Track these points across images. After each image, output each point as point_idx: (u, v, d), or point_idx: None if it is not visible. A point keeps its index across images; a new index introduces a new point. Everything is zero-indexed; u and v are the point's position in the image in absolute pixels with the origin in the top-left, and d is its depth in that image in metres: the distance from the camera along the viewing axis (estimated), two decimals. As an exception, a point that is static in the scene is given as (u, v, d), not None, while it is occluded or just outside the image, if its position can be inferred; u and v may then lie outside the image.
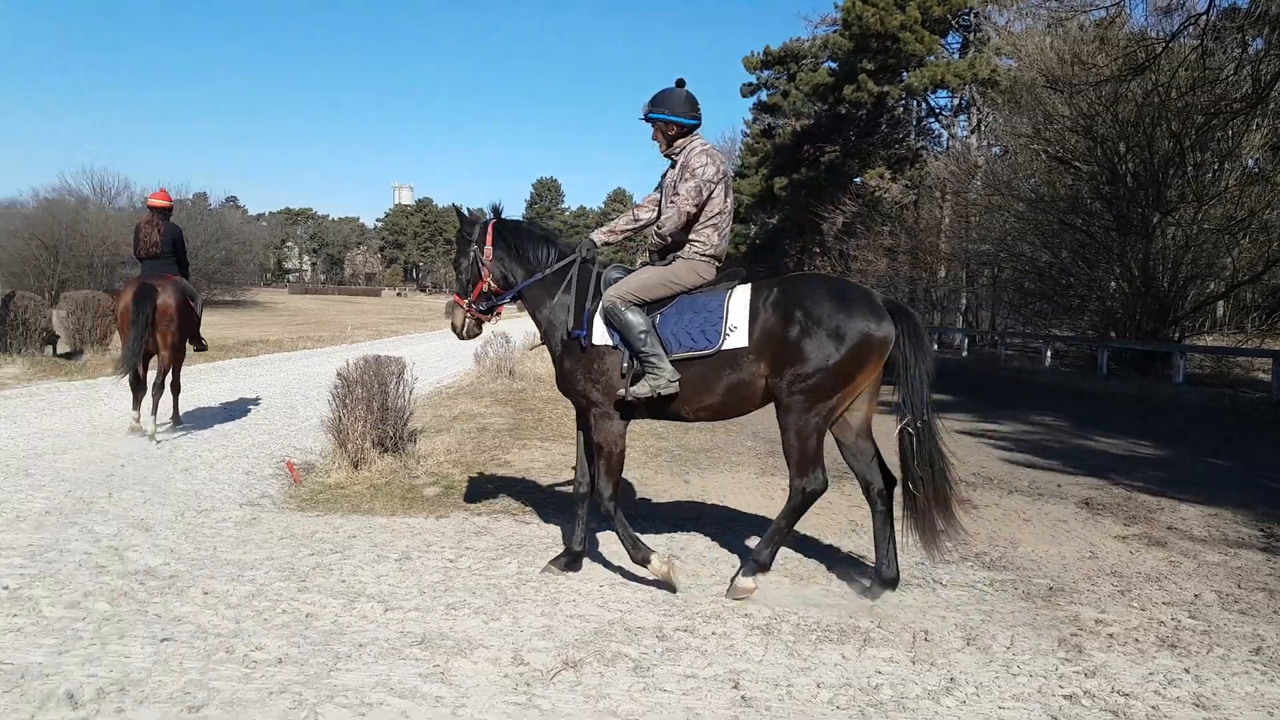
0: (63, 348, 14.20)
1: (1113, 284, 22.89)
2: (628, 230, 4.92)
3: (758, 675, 3.43)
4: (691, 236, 4.60)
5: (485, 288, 4.88)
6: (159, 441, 8.17)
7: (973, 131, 33.11)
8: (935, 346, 31.53)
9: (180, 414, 9.31)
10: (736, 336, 4.34)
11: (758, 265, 55.66)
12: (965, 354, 29.53)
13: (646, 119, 4.68)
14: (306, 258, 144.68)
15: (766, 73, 48.29)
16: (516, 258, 4.85)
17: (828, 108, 37.44)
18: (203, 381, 13.51)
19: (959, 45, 35.59)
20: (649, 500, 6.71)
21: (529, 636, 3.72)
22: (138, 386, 8.44)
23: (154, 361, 8.66)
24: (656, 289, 4.56)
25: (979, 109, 32.77)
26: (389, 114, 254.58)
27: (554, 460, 8.05)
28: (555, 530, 5.65)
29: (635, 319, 4.40)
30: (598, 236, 4.95)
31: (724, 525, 5.96)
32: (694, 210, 4.53)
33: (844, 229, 38.53)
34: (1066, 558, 5.44)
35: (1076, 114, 21.79)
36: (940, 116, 36.07)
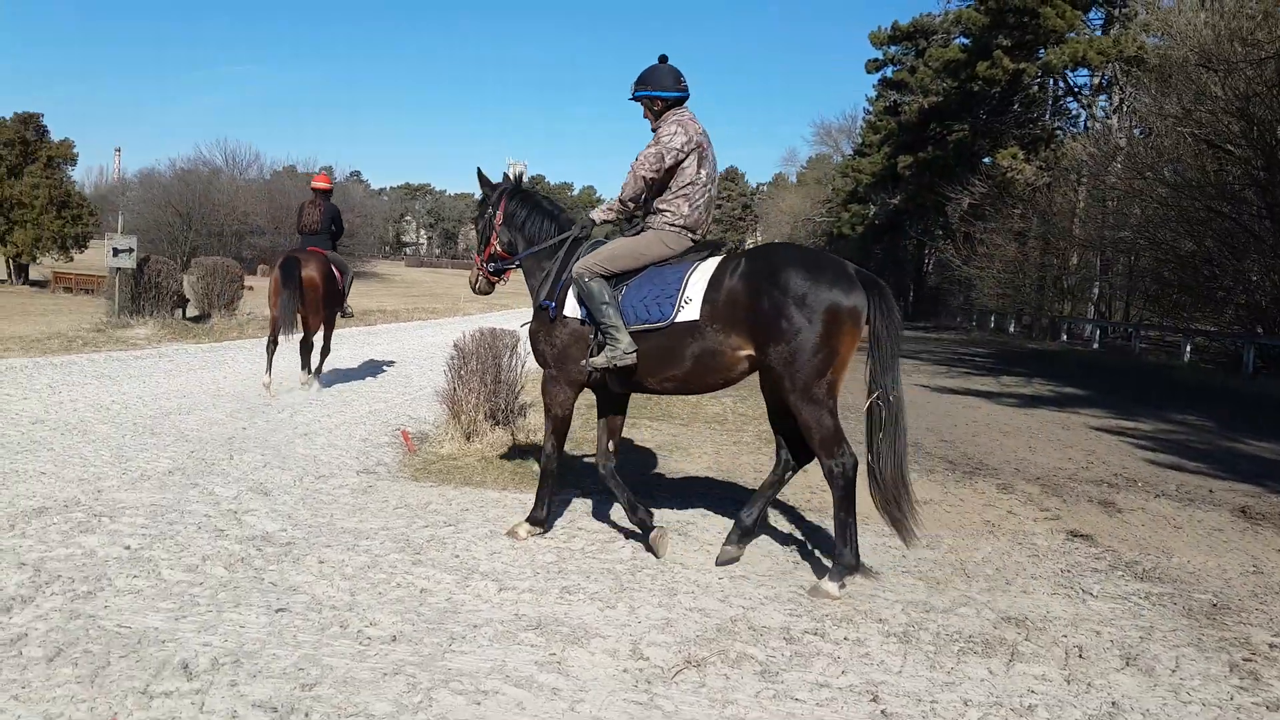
0: (192, 311, 14.82)
1: (1257, 276, 21.20)
2: (630, 208, 4.78)
3: (897, 688, 3.12)
4: (661, 206, 4.56)
5: (493, 250, 5.11)
6: (309, 387, 9.43)
7: (1114, 112, 31.08)
8: (1064, 337, 30.41)
9: (322, 373, 9.92)
10: (690, 310, 4.27)
11: (875, 247, 54.28)
12: (1096, 346, 27.91)
13: (634, 98, 4.69)
14: (423, 231, 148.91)
15: (894, 48, 46.66)
16: (521, 228, 5.00)
17: (958, 85, 35.81)
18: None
19: (1101, 21, 33.46)
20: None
21: (647, 629, 3.50)
22: (273, 351, 9.08)
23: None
24: (623, 260, 4.55)
25: (1121, 88, 30.73)
26: (507, 91, 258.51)
27: (663, 441, 7.84)
28: (668, 513, 5.43)
29: (597, 289, 4.41)
30: (596, 215, 4.95)
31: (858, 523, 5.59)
32: (651, 175, 4.50)
33: (970, 211, 36.89)
34: (1228, 571, 4.91)
35: (1232, 95, 20.14)
36: (1079, 96, 34.03)
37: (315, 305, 9.13)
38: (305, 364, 9.55)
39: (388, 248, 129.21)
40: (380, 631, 3.34)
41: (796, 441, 4.60)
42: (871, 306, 4.13)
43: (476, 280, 5.32)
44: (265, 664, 2.98)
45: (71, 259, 30.91)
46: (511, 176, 5.12)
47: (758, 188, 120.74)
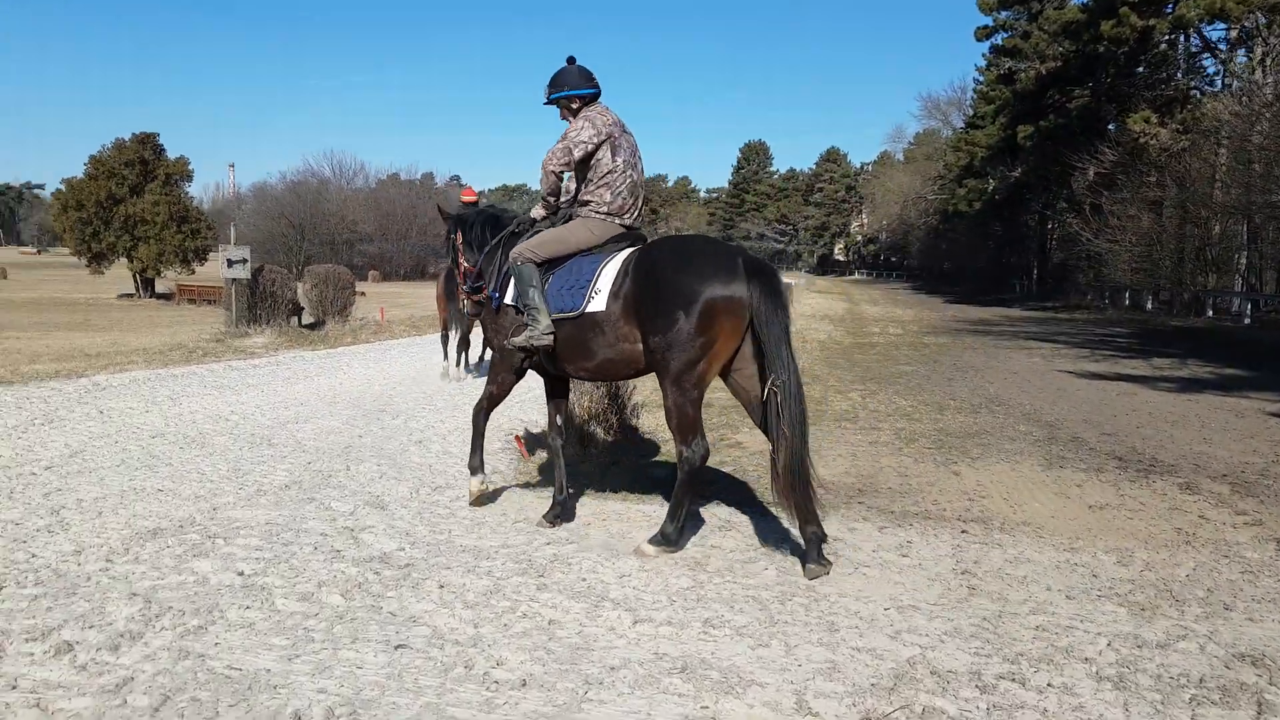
0: (306, 319, 15.05)
1: None
2: (552, 201, 4.99)
3: (1127, 754, 2.56)
4: (587, 196, 4.74)
5: (465, 270, 5.34)
6: (458, 379, 10.59)
7: (1255, 66, 28.65)
8: (1210, 312, 28.13)
9: (470, 364, 11.38)
10: (598, 301, 4.42)
11: (994, 223, 51.84)
12: (1248, 321, 25.74)
13: (549, 102, 4.89)
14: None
15: (1004, 13, 44.48)
16: (475, 241, 5.23)
17: (1077, 48, 33.78)
18: (435, 348, 13.87)
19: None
20: (916, 497, 5.81)
21: (810, 674, 3.02)
22: (447, 343, 10.97)
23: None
24: (551, 245, 4.71)
25: (1264, 39, 28.30)
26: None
27: (793, 440, 7.30)
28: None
29: (526, 272, 4.63)
30: (535, 212, 5.12)
31: (1031, 536, 4.97)
32: (559, 169, 4.75)
33: (1098, 181, 34.70)
34: None
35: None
36: (1215, 51, 31.55)
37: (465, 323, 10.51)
38: (461, 359, 11.08)
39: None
40: (508, 674, 2.97)
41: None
42: (753, 294, 4.10)
43: (462, 303, 5.57)
44: (384, 714, 2.65)
45: (193, 271, 32.31)
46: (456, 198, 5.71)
47: (862, 168, 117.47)
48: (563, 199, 4.97)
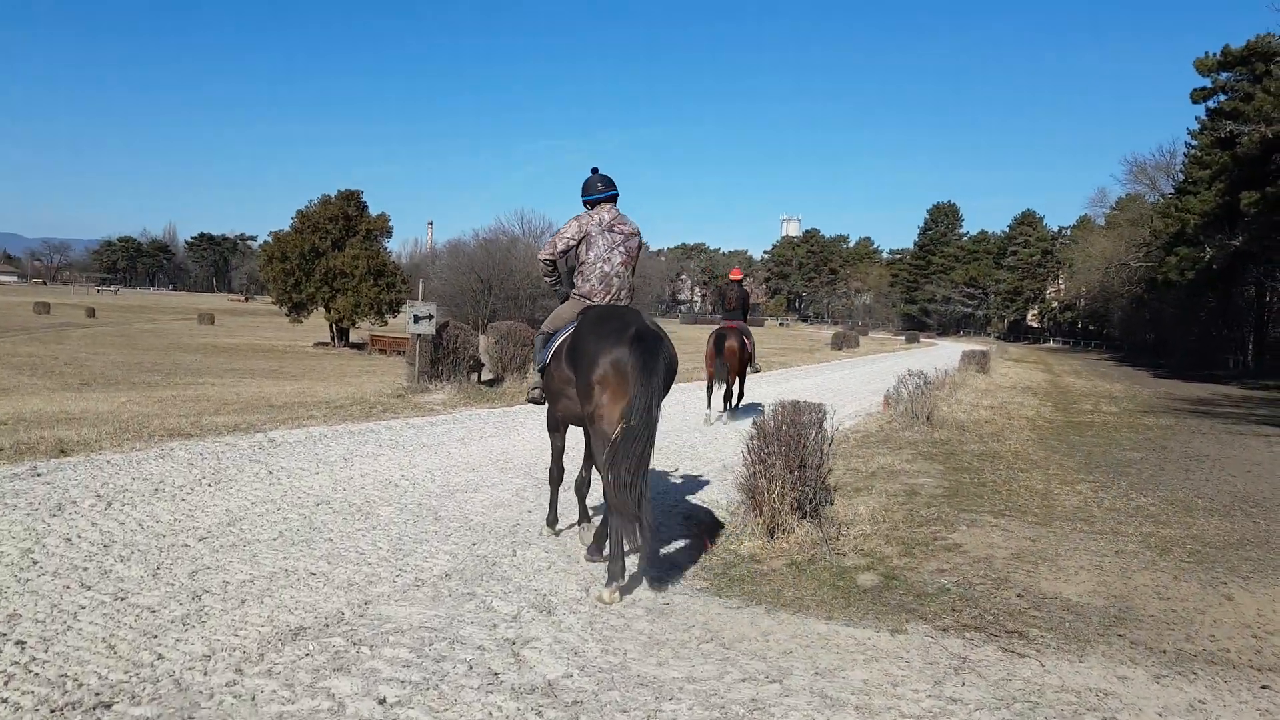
0: (486, 375, 15.02)
1: None
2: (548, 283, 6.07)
3: None
4: (575, 280, 5.63)
5: None
6: (724, 422, 12.41)
7: None
8: None
9: (739, 409, 13.25)
10: (555, 358, 5.42)
11: (1207, 294, 47.22)
12: None
13: (584, 203, 5.71)
14: (697, 289, 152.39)
15: (1224, 75, 41.02)
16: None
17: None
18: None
19: None
20: (1186, 629, 4.61)
21: None
22: (711, 394, 12.66)
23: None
24: (553, 321, 5.70)
25: None
26: (777, 145, 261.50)
27: (1021, 549, 6.17)
28: (1071, 675, 3.88)
29: (537, 342, 5.77)
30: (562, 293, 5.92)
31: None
32: (545, 257, 5.72)
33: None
34: None
35: None
36: None
37: (735, 366, 12.68)
38: (725, 407, 12.89)
39: (664, 305, 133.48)
40: None
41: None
42: (632, 355, 4.77)
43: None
44: None
45: (386, 323, 33.95)
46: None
47: (1059, 231, 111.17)
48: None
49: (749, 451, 6.46)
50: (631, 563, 5.01)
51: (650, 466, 4.84)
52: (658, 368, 4.78)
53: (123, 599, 4.27)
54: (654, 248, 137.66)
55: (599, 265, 5.52)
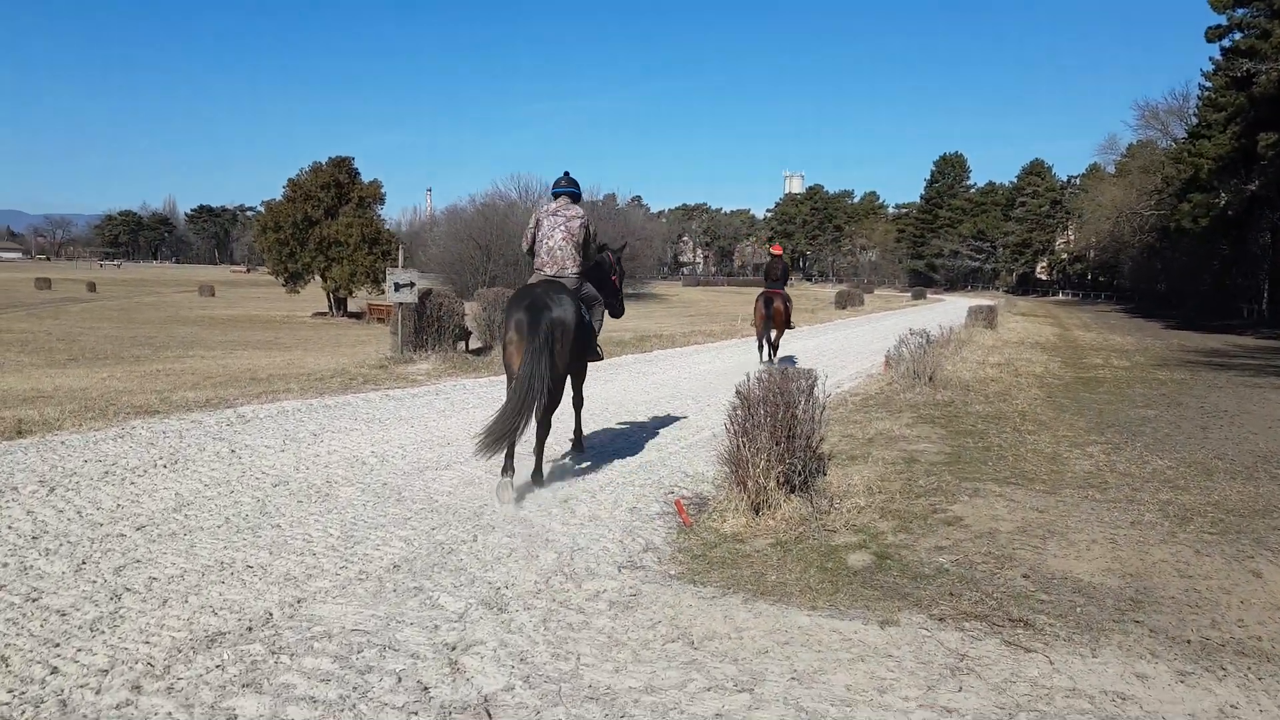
0: (474, 343, 14.58)
1: None
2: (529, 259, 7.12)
3: None
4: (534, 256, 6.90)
5: None
6: (774, 364, 13.54)
7: None
8: None
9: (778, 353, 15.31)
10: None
11: (1220, 242, 46.27)
12: None
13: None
14: (699, 251, 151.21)
15: (1240, 11, 39.72)
16: None
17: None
18: (598, 380, 12.98)
19: None
20: (1212, 613, 4.17)
21: None
22: (761, 348, 14.88)
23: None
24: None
25: None
26: (778, 101, 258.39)
27: (1028, 521, 5.74)
28: (1084, 674, 3.46)
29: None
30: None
31: None
32: (524, 246, 6.99)
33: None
34: None
35: None
36: None
37: (780, 324, 14.84)
38: (771, 358, 14.80)
39: (665, 268, 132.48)
40: None
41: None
42: (525, 321, 5.95)
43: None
44: None
45: (383, 292, 33.46)
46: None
47: (1069, 181, 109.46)
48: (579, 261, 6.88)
49: (731, 422, 6.02)
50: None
51: (548, 414, 6.29)
52: (539, 332, 5.88)
53: (35, 600, 3.88)
54: (654, 209, 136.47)
55: (545, 242, 6.75)
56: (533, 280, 6.62)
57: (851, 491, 6.42)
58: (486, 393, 11.01)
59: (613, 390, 11.90)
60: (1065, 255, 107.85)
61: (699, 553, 5.01)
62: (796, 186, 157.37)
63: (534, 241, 6.79)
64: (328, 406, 9.27)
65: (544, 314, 5.94)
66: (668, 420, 9.56)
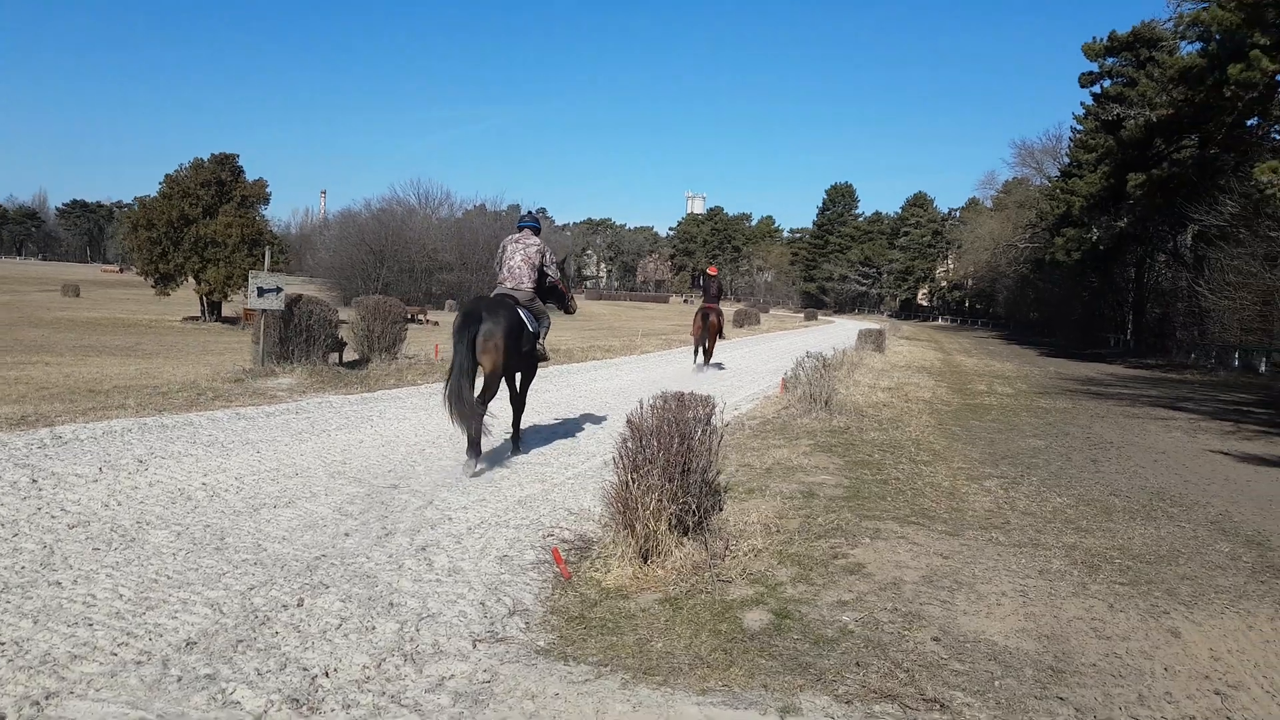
0: (350, 355, 13.53)
1: None
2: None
3: None
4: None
5: None
6: (704, 371, 17.96)
7: None
8: None
9: (710, 362, 18.75)
10: None
11: (1090, 274, 48.59)
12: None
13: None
14: (603, 265, 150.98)
15: (1111, 60, 42.07)
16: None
17: (1194, 94, 31.00)
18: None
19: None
20: (1137, 684, 3.74)
21: None
22: (697, 350, 18.26)
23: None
24: None
25: None
26: (686, 124, 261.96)
27: (933, 569, 5.28)
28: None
29: None
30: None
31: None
32: (495, 266, 8.31)
33: (1201, 235, 31.90)
34: None
35: None
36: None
37: (714, 334, 18.12)
38: (705, 362, 18.38)
39: (569, 281, 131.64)
40: None
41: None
42: (461, 327, 7.23)
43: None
44: None
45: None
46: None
47: (949, 213, 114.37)
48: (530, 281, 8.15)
49: (621, 456, 5.38)
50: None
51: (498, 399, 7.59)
52: (464, 338, 7.13)
53: None
54: (559, 223, 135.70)
55: (508, 262, 8.10)
56: (494, 292, 8.02)
57: (749, 531, 5.87)
58: (356, 411, 10.07)
59: (502, 409, 11.11)
60: (945, 283, 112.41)
61: (576, 613, 4.33)
62: (698, 207, 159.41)
63: (501, 261, 8.15)
64: (165, 427, 8.19)
65: (469, 327, 7.18)
66: (556, 445, 8.87)
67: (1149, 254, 43.75)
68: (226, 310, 31.87)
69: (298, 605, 4.03)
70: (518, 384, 8.32)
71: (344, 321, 13.97)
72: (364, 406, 10.45)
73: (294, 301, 11.96)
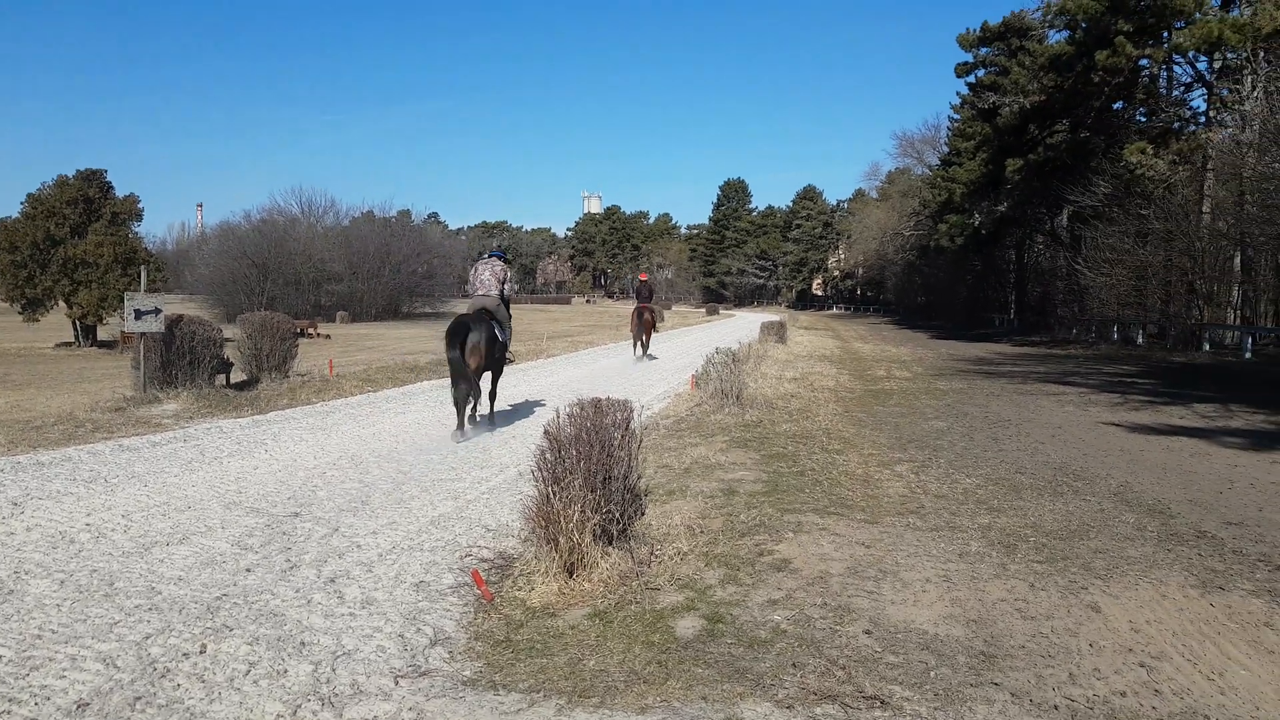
0: (238, 376, 12.88)
1: None
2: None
3: None
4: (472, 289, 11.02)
5: None
6: (641, 361, 20.70)
7: (1246, 98, 27.40)
8: (1207, 346, 26.67)
9: (646, 354, 21.50)
10: None
11: (974, 258, 50.60)
12: (1249, 355, 24.18)
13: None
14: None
15: (984, 50, 43.83)
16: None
17: (1059, 82, 32.65)
18: (388, 412, 11.77)
19: (1220, 1, 30.09)
20: (1065, 663, 3.80)
21: None
22: (635, 345, 21.41)
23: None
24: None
25: (1255, 70, 27.15)
26: (579, 124, 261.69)
27: (857, 559, 5.29)
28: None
29: None
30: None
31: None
32: (468, 284, 11.11)
33: (1077, 215, 33.71)
34: None
35: None
36: (1209, 83, 30.35)
37: (648, 329, 21.35)
38: (642, 353, 21.18)
39: (467, 286, 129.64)
40: None
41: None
42: (451, 334, 9.82)
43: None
44: None
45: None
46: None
47: (838, 205, 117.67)
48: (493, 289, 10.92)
49: (540, 468, 5.21)
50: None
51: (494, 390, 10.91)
52: (455, 343, 9.63)
53: None
54: (453, 226, 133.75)
55: (478, 277, 10.73)
56: (471, 303, 10.57)
57: (673, 534, 5.79)
58: (248, 435, 9.56)
59: (404, 423, 10.75)
60: (838, 272, 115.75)
61: (502, 637, 4.15)
62: (595, 206, 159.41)
63: (473, 278, 10.83)
64: (40, 465, 7.58)
65: (459, 334, 9.75)
66: (466, 458, 8.60)
67: (1028, 236, 45.80)
68: (102, 333, 30.12)
69: (200, 652, 3.72)
70: (491, 382, 10.96)
71: (229, 340, 13.29)
72: (257, 430, 9.94)
73: (175, 322, 11.28)
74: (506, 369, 11.73)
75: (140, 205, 31.57)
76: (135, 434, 9.20)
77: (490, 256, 11.07)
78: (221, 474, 7.51)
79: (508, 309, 11.06)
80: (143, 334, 10.97)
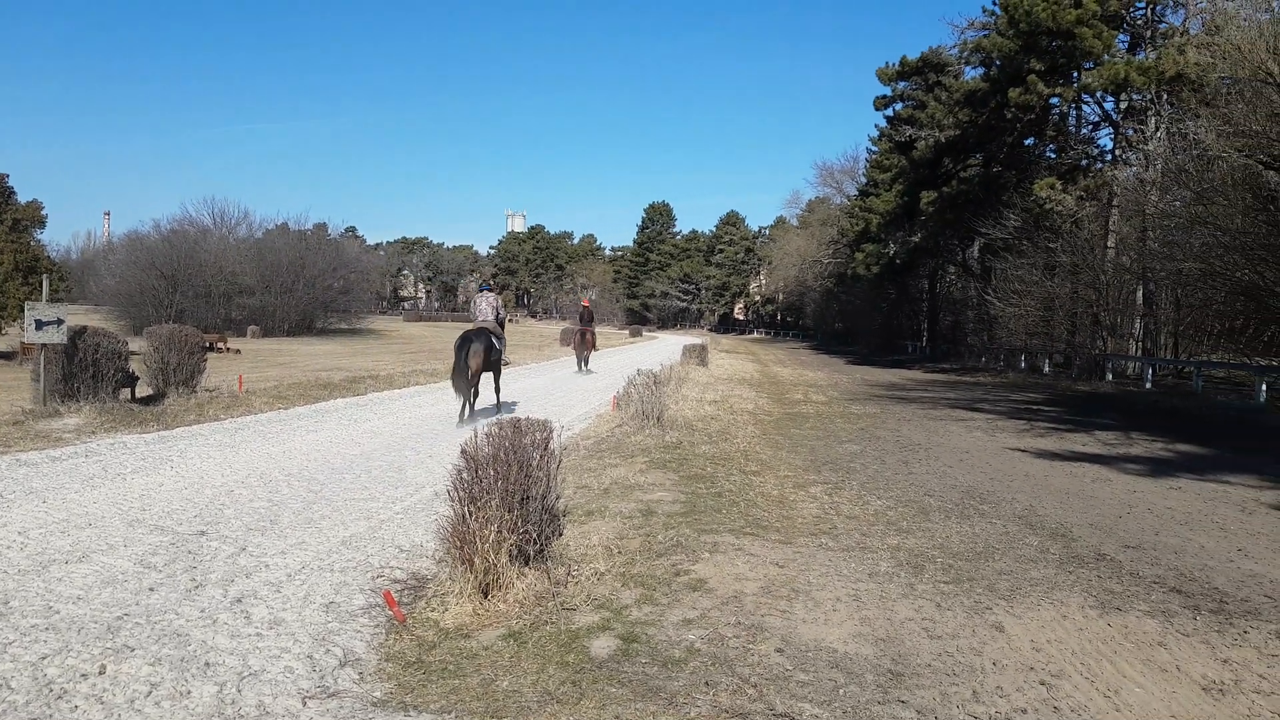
0: (144, 390, 12.42)
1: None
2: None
3: None
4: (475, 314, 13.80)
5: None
6: (584, 374, 24.19)
7: (1149, 137, 29.09)
8: (1110, 375, 28.07)
9: (586, 368, 25.25)
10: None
11: (889, 286, 52.18)
12: (1149, 385, 25.51)
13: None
14: (421, 285, 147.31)
15: (903, 84, 45.37)
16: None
17: (973, 117, 34.06)
18: (299, 430, 11.49)
19: (1127, 44, 31.91)
20: (970, 681, 3.96)
21: None
22: (578, 361, 25.45)
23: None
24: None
25: (1159, 111, 28.84)
26: (503, 143, 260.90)
27: (771, 579, 5.40)
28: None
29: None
30: None
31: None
32: (471, 311, 13.74)
33: (988, 247, 35.16)
34: None
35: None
36: (1115, 122, 32.02)
37: (590, 346, 24.91)
38: (583, 368, 24.83)
39: (385, 302, 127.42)
40: None
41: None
42: (460, 345, 12.43)
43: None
44: None
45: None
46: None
47: (760, 230, 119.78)
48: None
49: (456, 488, 5.18)
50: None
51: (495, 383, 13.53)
52: (464, 351, 12.21)
53: None
54: (371, 241, 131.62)
55: (477, 310, 13.65)
56: (473, 325, 13.09)
57: (590, 555, 5.81)
58: (154, 451, 9.22)
59: (316, 441, 10.51)
60: (759, 297, 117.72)
61: (414, 658, 4.11)
62: (519, 225, 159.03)
63: (473, 309, 13.63)
64: (-76, 481, 7.18)
65: (465, 345, 12.24)
66: (380, 477, 8.46)
67: (941, 266, 47.47)
68: (1, 344, 28.66)
69: (100, 673, 3.59)
70: (494, 380, 13.75)
71: (135, 353, 12.82)
72: (162, 446, 9.60)
73: (78, 334, 10.83)
74: (505, 371, 15.23)
75: (44, 212, 30.67)
76: (34, 448, 8.79)
77: (484, 290, 14.00)
78: (125, 491, 7.23)
79: (502, 328, 13.98)
80: (44, 345, 10.51)
